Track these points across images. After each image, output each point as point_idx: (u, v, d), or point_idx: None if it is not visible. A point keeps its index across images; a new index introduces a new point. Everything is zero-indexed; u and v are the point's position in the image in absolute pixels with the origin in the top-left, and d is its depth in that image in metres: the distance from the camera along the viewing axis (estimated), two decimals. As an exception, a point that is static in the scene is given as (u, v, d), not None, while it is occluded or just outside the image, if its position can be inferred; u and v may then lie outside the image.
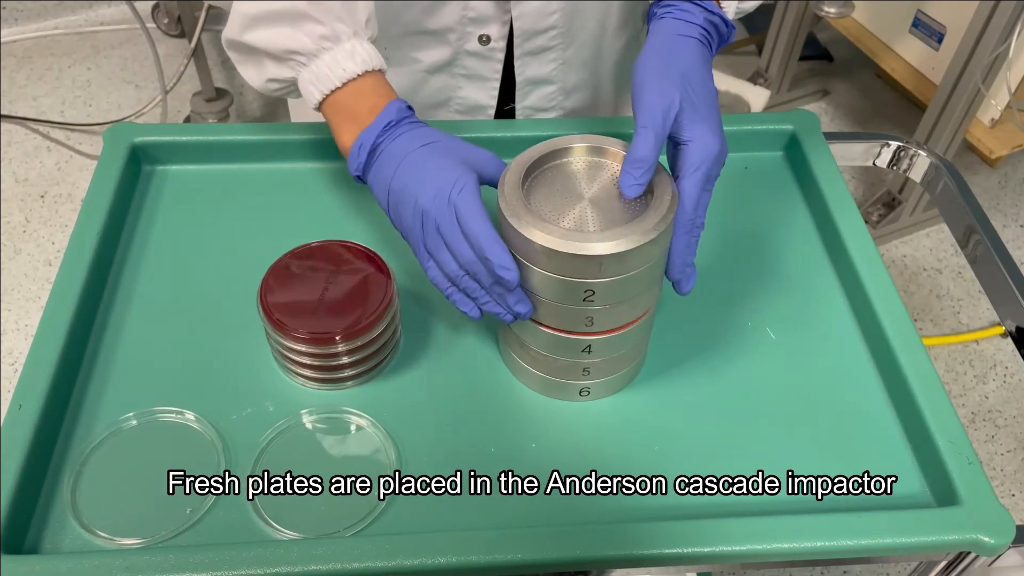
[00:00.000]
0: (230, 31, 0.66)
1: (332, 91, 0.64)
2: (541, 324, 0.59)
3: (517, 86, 0.84)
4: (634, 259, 0.54)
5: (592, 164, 0.59)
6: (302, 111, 0.93)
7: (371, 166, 0.62)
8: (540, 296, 0.57)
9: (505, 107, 0.87)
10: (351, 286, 0.63)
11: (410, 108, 0.64)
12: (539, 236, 0.53)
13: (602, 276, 0.54)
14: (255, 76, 0.68)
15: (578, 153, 0.59)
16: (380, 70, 0.65)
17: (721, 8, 0.66)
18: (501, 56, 0.81)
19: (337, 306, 0.62)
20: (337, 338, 0.60)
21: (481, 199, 0.57)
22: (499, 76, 0.83)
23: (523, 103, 0.86)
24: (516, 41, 0.79)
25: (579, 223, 0.55)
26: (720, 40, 0.66)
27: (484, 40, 0.79)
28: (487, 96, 0.84)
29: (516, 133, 0.80)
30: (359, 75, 0.63)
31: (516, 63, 0.81)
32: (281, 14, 0.63)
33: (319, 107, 0.65)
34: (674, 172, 0.59)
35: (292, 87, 0.67)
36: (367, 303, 0.62)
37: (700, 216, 0.58)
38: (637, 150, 0.55)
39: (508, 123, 0.82)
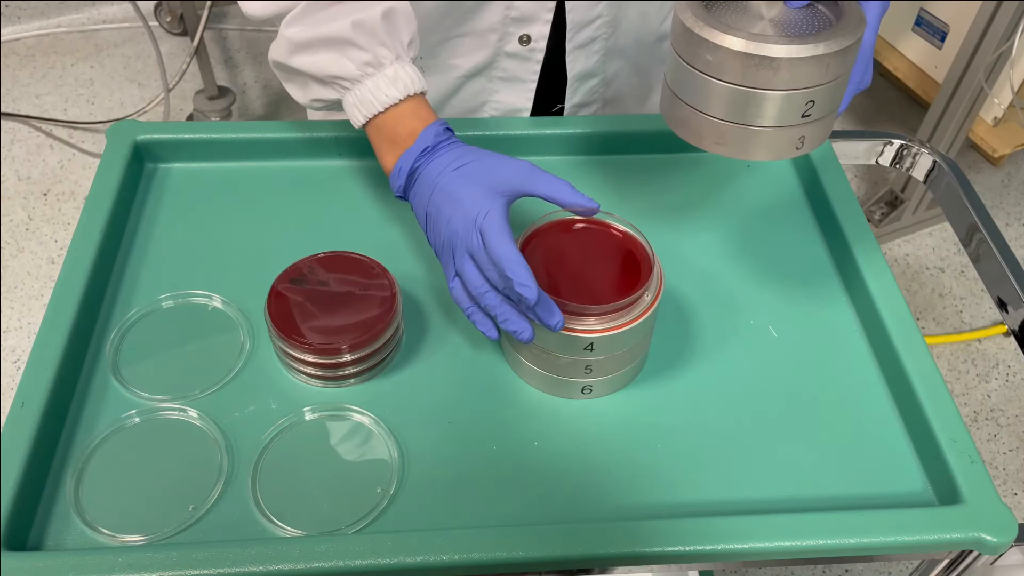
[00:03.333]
0: (277, 54, 0.67)
1: (375, 115, 0.66)
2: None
3: (568, 83, 0.84)
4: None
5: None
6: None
7: (410, 188, 0.65)
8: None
9: (552, 109, 0.87)
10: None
11: (448, 129, 0.65)
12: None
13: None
14: (300, 95, 0.70)
15: None
16: (421, 93, 0.67)
17: None
18: (540, 57, 0.81)
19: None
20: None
21: (506, 223, 0.58)
22: (536, 78, 0.83)
23: (572, 101, 0.86)
24: (568, 35, 0.80)
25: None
26: None
27: (524, 40, 0.80)
28: (523, 99, 0.84)
29: (556, 131, 0.80)
30: (400, 100, 0.65)
31: (568, 58, 0.82)
32: (326, 40, 0.64)
33: (363, 127, 0.68)
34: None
35: (336, 106, 0.69)
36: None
37: (869, 71, 0.60)
38: None
39: (545, 120, 0.82)
